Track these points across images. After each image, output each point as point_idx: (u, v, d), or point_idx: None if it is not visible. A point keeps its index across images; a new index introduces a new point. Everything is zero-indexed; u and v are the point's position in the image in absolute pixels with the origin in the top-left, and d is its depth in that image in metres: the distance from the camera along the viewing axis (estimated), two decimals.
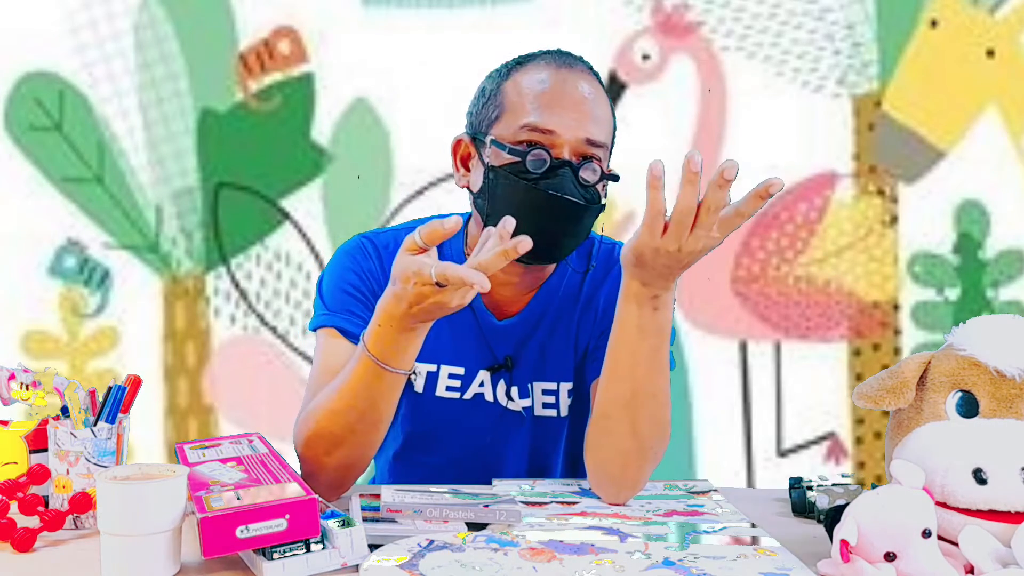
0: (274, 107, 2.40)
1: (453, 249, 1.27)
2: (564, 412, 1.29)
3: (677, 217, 0.97)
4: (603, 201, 1.20)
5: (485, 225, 1.19)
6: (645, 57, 2.39)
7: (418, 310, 0.99)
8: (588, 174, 1.15)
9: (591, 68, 1.22)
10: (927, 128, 2.39)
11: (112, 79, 2.40)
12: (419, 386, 1.28)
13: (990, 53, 2.37)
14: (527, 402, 1.28)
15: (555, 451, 1.32)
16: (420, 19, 2.38)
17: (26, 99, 2.38)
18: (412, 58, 2.37)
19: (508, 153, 1.15)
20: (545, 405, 1.29)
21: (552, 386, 1.29)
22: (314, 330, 1.25)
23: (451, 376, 1.27)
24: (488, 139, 1.19)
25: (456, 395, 1.28)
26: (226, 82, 2.40)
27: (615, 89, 2.38)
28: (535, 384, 1.29)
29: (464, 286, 0.94)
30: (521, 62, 1.22)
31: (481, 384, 1.28)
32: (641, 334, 1.07)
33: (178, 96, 2.40)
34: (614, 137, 1.24)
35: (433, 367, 1.27)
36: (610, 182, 1.20)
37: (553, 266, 1.29)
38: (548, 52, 1.23)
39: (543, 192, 1.13)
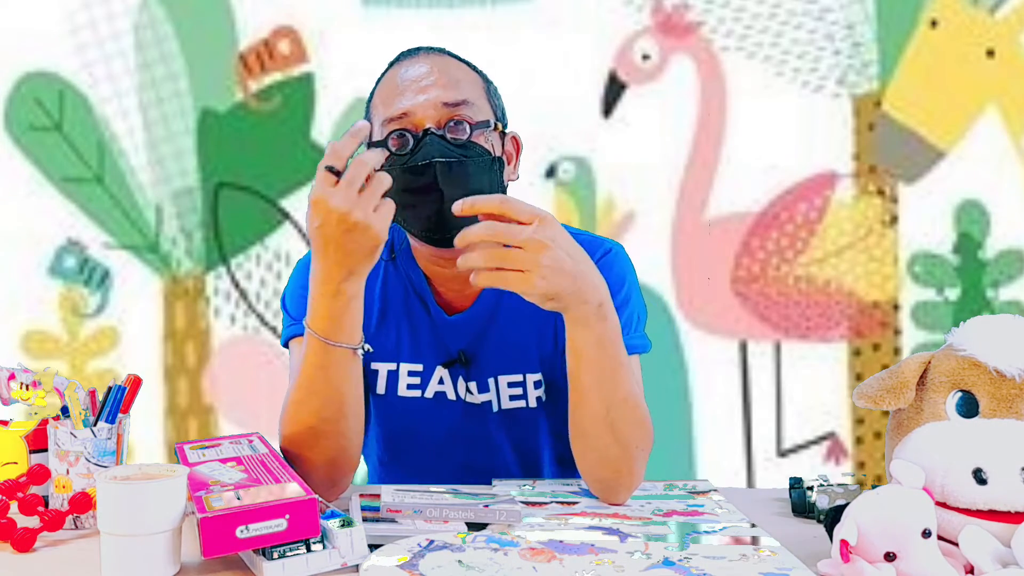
0: (274, 107, 2.40)
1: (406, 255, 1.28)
2: (533, 403, 1.29)
3: (519, 262, 0.98)
4: (498, 154, 1.19)
5: (403, 224, 1.20)
6: (645, 57, 2.39)
7: (333, 249, 1.00)
8: (457, 133, 1.16)
9: (442, 50, 1.24)
10: (927, 128, 2.39)
11: (112, 79, 2.40)
12: (381, 387, 1.28)
13: (990, 53, 2.37)
14: (487, 396, 1.28)
15: (538, 444, 1.31)
16: (420, 19, 2.39)
17: (26, 99, 2.39)
18: None
19: (374, 149, 1.17)
20: (512, 398, 1.29)
21: (517, 378, 1.28)
22: (285, 344, 1.26)
23: (411, 374, 1.28)
24: None
25: (417, 393, 1.28)
26: (226, 82, 2.40)
27: (615, 89, 2.38)
28: (500, 377, 1.28)
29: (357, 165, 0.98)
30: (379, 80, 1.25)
31: (440, 381, 1.28)
32: (601, 348, 1.06)
33: (178, 96, 2.40)
34: (491, 92, 1.24)
35: (393, 366, 1.28)
36: (506, 130, 1.22)
37: None
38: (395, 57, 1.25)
39: (415, 164, 1.13)
